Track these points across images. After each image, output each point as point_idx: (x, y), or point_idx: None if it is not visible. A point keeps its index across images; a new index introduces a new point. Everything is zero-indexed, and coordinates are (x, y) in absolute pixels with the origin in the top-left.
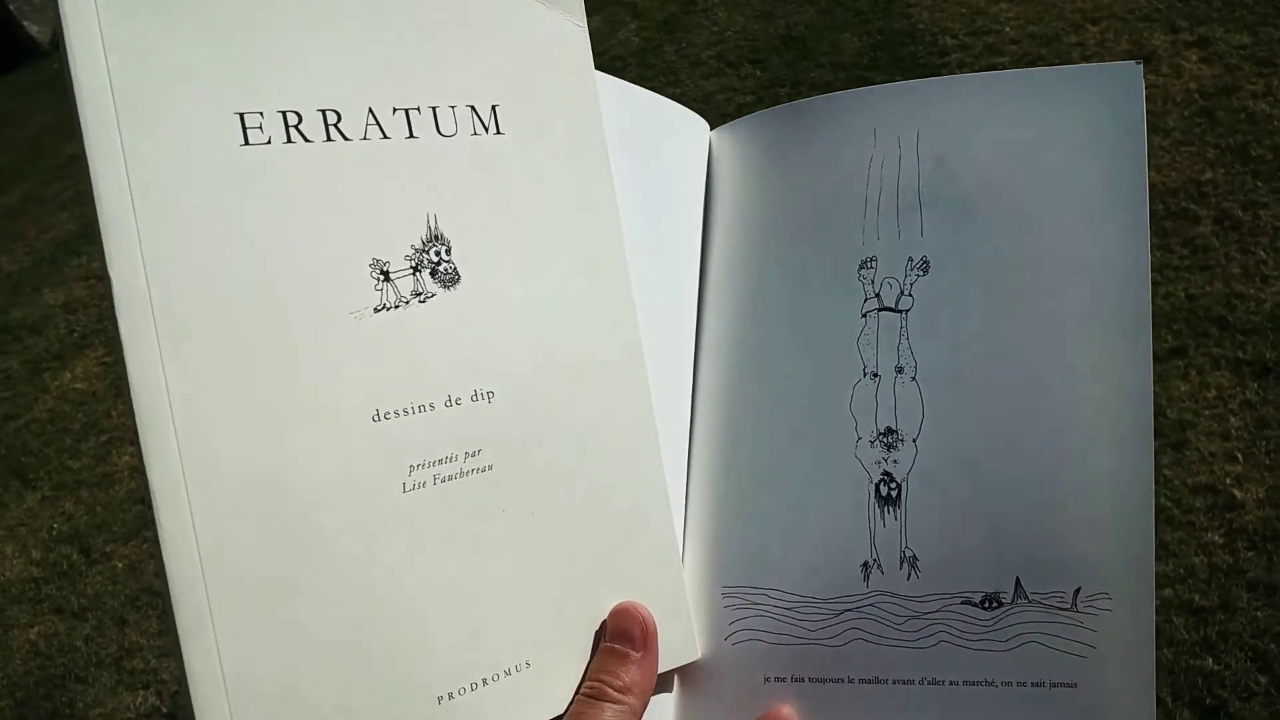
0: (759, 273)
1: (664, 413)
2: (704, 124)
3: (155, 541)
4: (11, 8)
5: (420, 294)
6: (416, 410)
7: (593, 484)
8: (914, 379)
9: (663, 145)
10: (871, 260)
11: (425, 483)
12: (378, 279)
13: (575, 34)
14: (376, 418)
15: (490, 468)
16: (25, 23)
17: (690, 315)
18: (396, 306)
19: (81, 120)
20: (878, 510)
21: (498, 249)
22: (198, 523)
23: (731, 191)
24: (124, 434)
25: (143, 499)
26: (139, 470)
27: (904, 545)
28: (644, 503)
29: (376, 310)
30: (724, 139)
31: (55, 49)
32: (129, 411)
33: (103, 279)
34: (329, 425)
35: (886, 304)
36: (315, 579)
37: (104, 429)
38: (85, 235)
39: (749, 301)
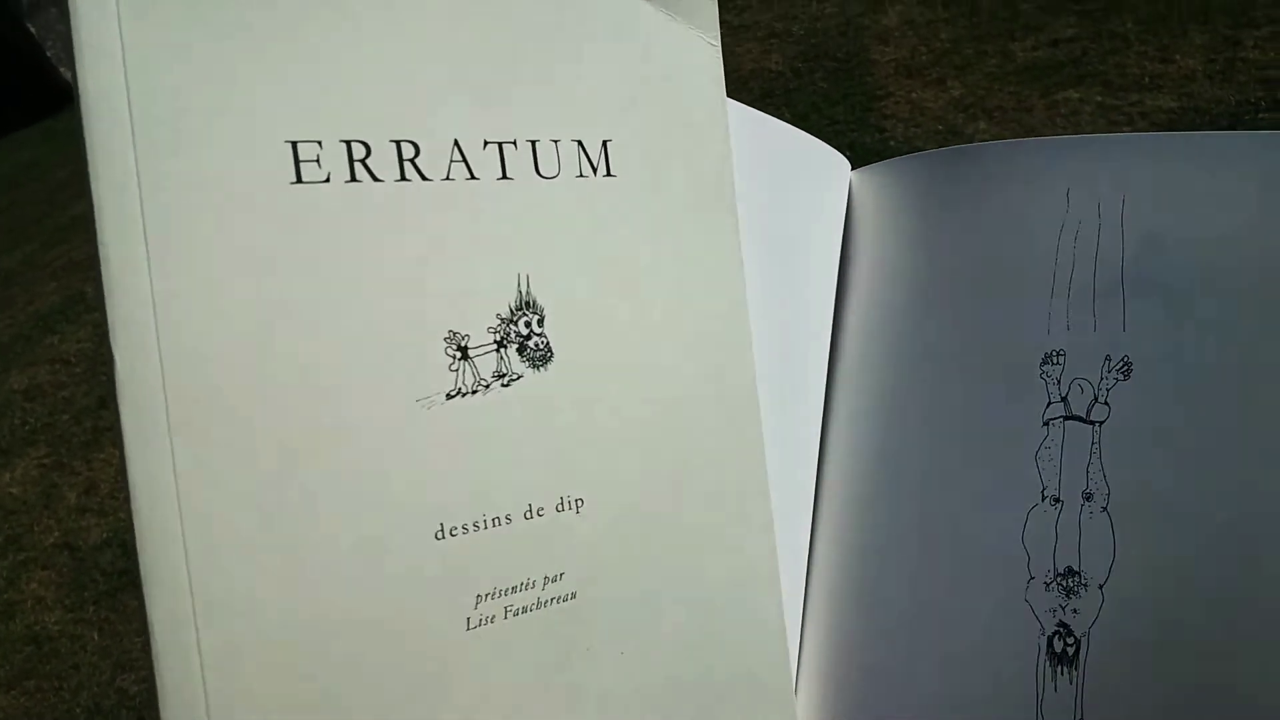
0: (908, 354)
1: (781, 527)
2: (845, 162)
3: (151, 691)
4: (49, 53)
5: (504, 376)
6: (489, 524)
7: (697, 618)
8: (1104, 509)
9: (796, 188)
10: (1058, 355)
11: (494, 616)
12: (454, 357)
13: (708, 55)
14: (441, 534)
15: (573, 596)
16: (61, 68)
17: (817, 404)
18: (474, 391)
19: (87, 141)
20: (1049, 669)
21: (600, 321)
22: (209, 675)
23: (876, 248)
24: (41, 557)
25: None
26: (139, 608)
27: (1078, 716)
28: (758, 645)
29: (450, 397)
30: (870, 182)
31: None
32: (131, 523)
33: (69, 363)
34: (384, 546)
35: (1075, 412)
36: None
37: (24, 546)
38: (65, 311)
39: (893, 390)
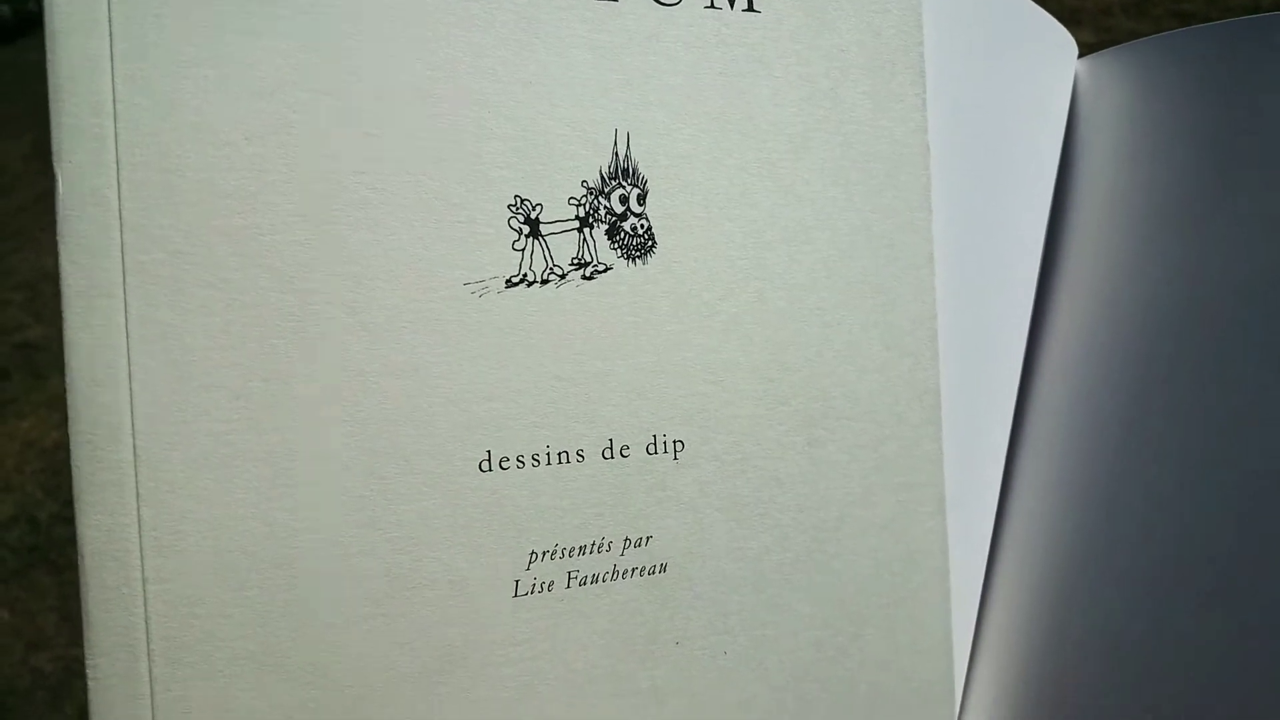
0: (1164, 301)
1: (955, 507)
2: (1071, 43)
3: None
4: None
5: (586, 265)
6: (554, 459)
7: (835, 612)
8: None
9: (1007, 69)
10: None
11: (552, 583)
12: (519, 232)
13: None
14: (487, 465)
15: (662, 569)
16: None
17: (1016, 355)
18: (544, 281)
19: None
20: None
21: (724, 208)
22: (152, 615)
23: (1113, 159)
24: None
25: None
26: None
27: None
28: (916, 652)
29: (510, 284)
30: (1102, 70)
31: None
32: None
33: None
34: (407, 470)
35: None
36: None
37: None
38: None
39: (1137, 349)
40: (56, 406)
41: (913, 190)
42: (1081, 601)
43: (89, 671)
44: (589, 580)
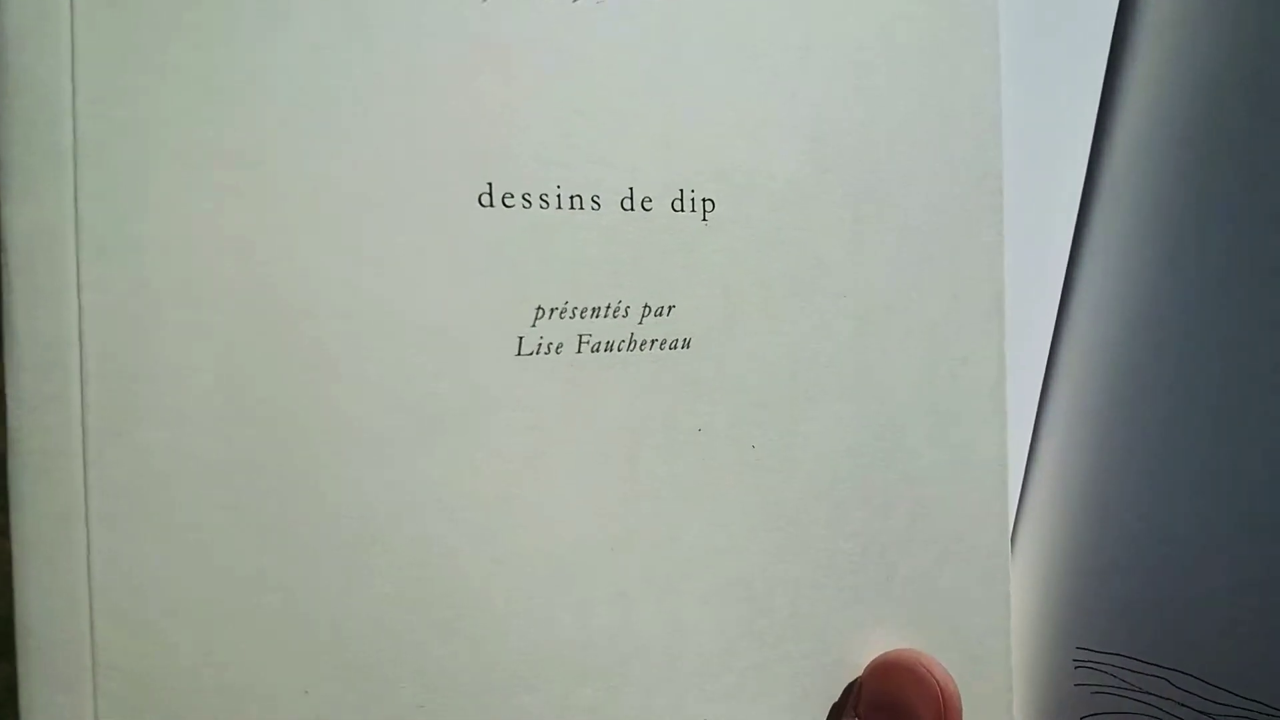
0: (1201, 207)
1: (1015, 316)
2: None
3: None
4: None
5: None
6: (564, 203)
7: (873, 414)
8: None
9: None
10: None
11: (559, 344)
12: None
13: None
14: (487, 199)
15: (685, 344)
16: None
17: (1072, 206)
18: None
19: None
20: None
21: None
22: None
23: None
24: None
25: None
26: None
27: None
28: (968, 463)
29: None
30: None
31: None
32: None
33: None
34: (403, 196)
35: None
36: (306, 507)
37: None
38: None
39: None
40: None
41: None
42: (1141, 419)
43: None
44: (602, 347)
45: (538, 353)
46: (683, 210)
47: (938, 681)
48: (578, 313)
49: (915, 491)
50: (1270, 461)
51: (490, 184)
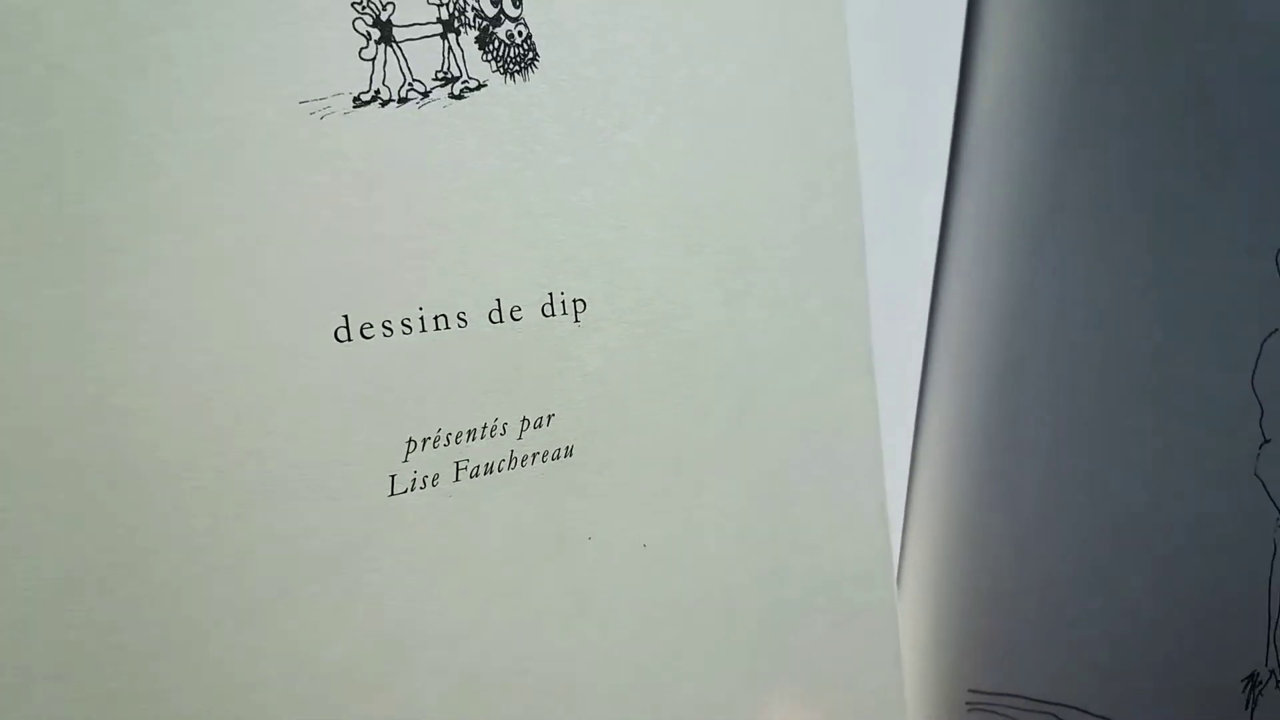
0: (1050, 211)
1: (882, 375)
2: None
3: None
4: None
5: (453, 80)
6: (429, 325)
7: (767, 497)
8: None
9: None
10: None
11: (436, 476)
12: (367, 35)
13: None
14: (345, 333)
15: (568, 453)
16: None
17: (933, 229)
18: (403, 99)
19: None
20: None
21: (614, 14)
22: None
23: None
24: None
25: None
26: None
27: None
28: (852, 533)
29: (360, 102)
30: None
31: None
32: None
33: None
34: (248, 339)
35: None
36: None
37: None
38: None
39: (1030, 247)
40: None
41: (828, 3)
42: (1013, 450)
43: None
44: (482, 470)
45: (413, 489)
46: (554, 315)
47: None
48: (452, 439)
49: (806, 560)
50: (1148, 484)
51: (346, 316)
